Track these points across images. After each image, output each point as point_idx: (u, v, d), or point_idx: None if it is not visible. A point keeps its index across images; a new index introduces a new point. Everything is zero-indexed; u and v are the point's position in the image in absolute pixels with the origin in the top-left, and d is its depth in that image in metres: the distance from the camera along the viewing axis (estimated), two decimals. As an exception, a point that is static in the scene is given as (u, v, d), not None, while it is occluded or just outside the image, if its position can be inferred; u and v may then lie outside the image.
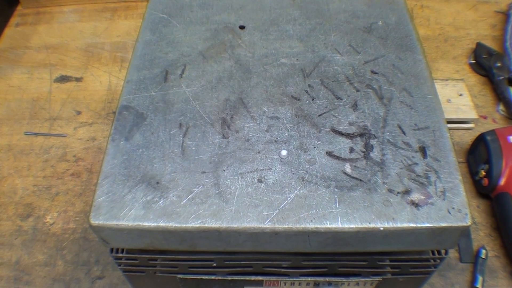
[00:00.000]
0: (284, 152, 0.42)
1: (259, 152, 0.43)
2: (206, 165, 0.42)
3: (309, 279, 0.46)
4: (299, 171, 0.41)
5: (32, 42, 0.89)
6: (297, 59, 0.51)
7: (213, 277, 0.46)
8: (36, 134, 0.74)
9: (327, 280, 0.46)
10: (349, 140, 0.43)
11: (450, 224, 0.37)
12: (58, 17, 0.94)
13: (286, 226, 0.38)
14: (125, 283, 0.58)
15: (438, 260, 0.43)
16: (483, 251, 0.57)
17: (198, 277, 0.46)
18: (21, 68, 0.84)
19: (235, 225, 0.38)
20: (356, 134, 0.44)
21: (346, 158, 0.42)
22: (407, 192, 0.39)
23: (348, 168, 0.41)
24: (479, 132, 0.64)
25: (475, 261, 0.57)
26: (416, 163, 0.41)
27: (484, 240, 0.59)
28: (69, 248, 0.61)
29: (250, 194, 0.40)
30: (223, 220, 0.38)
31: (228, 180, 0.41)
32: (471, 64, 0.78)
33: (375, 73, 0.49)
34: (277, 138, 0.44)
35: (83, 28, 0.91)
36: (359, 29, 0.54)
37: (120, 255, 0.43)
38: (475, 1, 0.88)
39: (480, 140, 0.63)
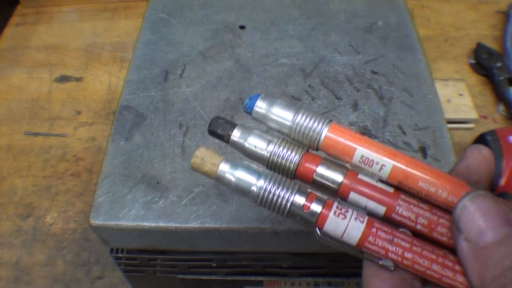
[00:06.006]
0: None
1: (259, 152, 0.43)
2: (206, 165, 0.42)
3: (309, 279, 0.46)
4: (299, 171, 0.41)
5: (32, 42, 0.89)
6: (297, 59, 0.51)
7: (213, 277, 0.46)
8: (36, 134, 0.74)
9: (327, 280, 0.46)
10: (349, 140, 0.43)
11: (450, 224, 0.37)
12: (58, 17, 0.94)
13: (286, 226, 0.38)
14: (125, 283, 0.58)
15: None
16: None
17: (198, 277, 0.46)
18: (21, 68, 0.84)
19: (235, 225, 0.38)
20: (356, 134, 0.44)
21: (346, 158, 0.42)
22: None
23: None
24: (479, 132, 0.64)
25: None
26: (416, 163, 0.41)
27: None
28: (69, 248, 0.61)
29: (250, 194, 0.40)
30: (223, 220, 0.38)
31: (228, 180, 0.41)
32: (471, 64, 0.78)
33: (375, 73, 0.49)
34: (277, 138, 0.44)
35: (83, 28, 0.91)
36: (359, 29, 0.54)
37: (120, 255, 0.43)
38: (475, 1, 0.88)
39: (481, 140, 0.63)
